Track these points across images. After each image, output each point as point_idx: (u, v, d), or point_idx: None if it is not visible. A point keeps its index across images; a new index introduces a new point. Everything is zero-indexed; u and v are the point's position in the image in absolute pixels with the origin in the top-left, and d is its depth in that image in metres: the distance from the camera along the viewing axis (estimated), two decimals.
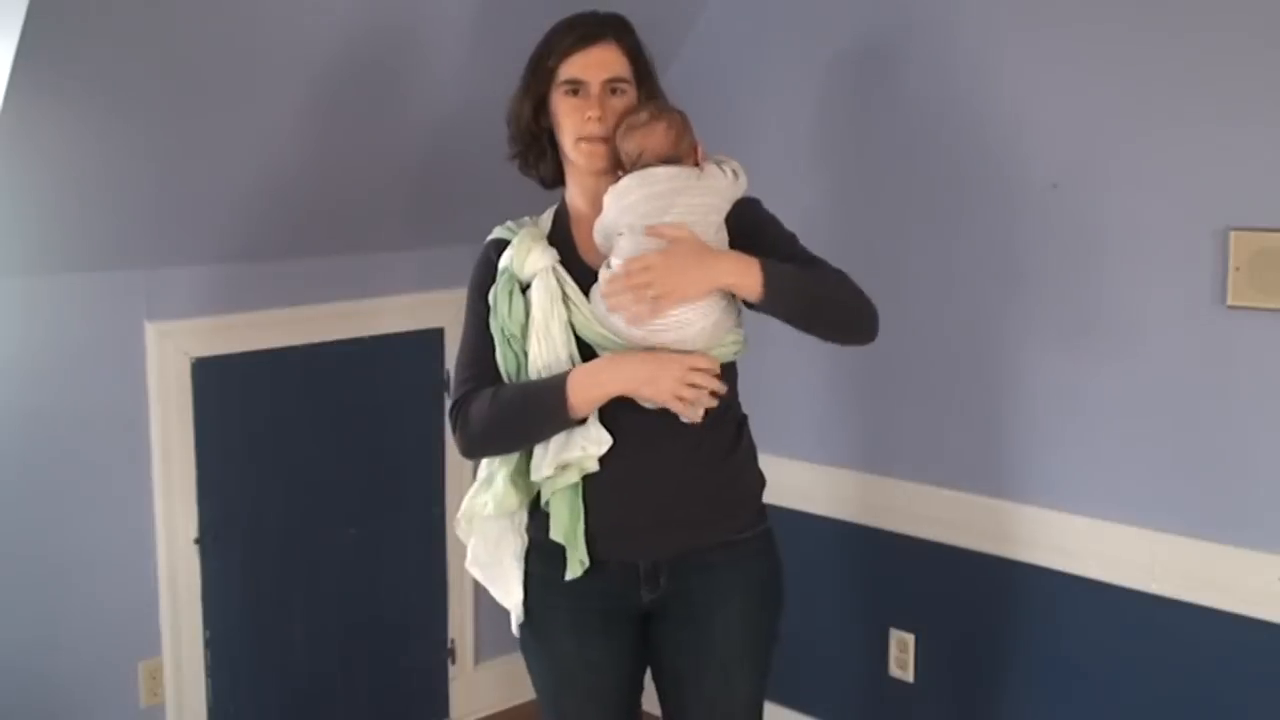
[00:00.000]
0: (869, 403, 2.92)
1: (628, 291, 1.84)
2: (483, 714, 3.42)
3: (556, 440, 1.92)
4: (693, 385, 1.86)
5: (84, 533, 2.67)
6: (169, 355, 2.76)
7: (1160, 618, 2.46)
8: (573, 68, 1.93)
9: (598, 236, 1.94)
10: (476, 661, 3.40)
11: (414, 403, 3.20)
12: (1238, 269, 2.30)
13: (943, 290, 2.75)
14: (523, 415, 1.93)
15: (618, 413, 1.91)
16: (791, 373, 2.99)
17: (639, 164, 1.90)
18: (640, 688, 2.11)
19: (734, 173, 1.95)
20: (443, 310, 3.21)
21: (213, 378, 2.83)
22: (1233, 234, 2.30)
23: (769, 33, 2.99)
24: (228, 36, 2.37)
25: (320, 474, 3.04)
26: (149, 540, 2.78)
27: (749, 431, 2.08)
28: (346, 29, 2.52)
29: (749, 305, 1.92)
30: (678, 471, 1.95)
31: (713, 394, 1.90)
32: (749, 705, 2.06)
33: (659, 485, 1.95)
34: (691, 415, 1.91)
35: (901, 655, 2.91)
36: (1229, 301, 2.32)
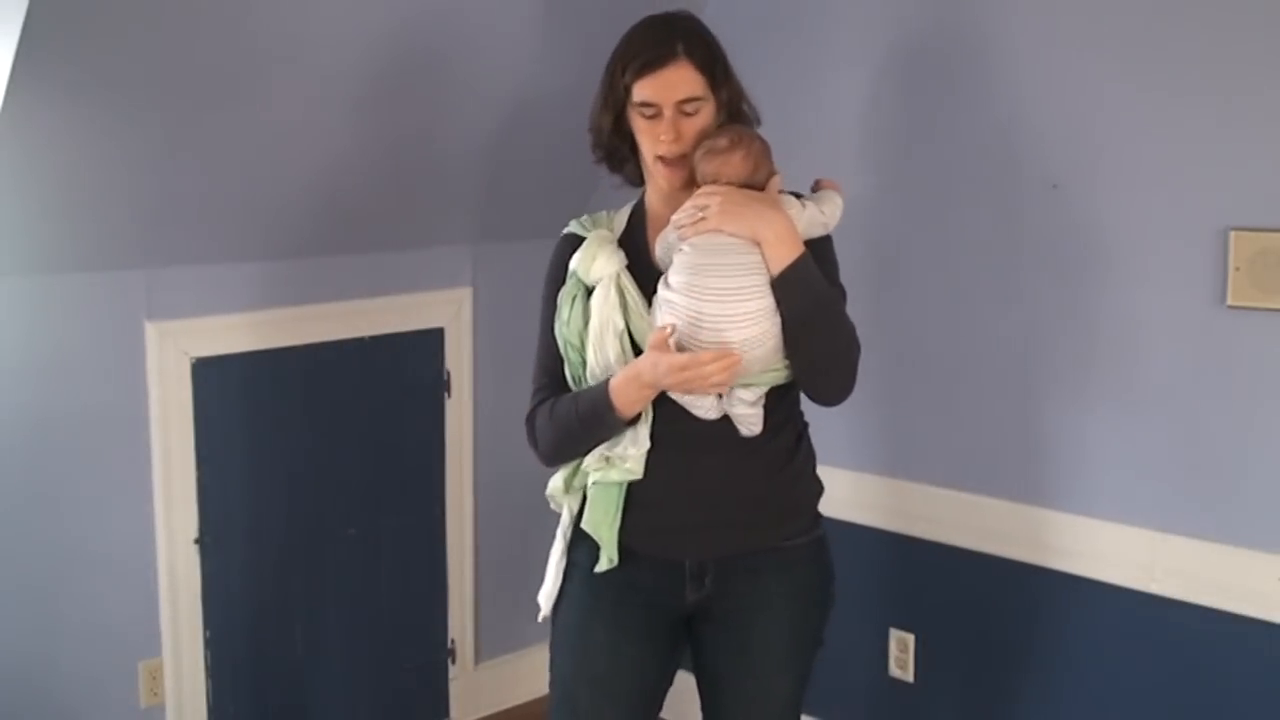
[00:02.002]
0: (872, 404, 2.91)
1: (686, 214, 1.86)
2: (483, 714, 3.42)
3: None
4: (692, 375, 1.82)
5: (84, 533, 2.67)
6: (169, 355, 2.76)
7: (1160, 618, 2.46)
8: (645, 90, 1.92)
9: (658, 254, 1.95)
10: (476, 661, 3.41)
11: (414, 403, 3.20)
12: (1238, 269, 2.30)
13: (943, 290, 2.75)
14: (577, 425, 1.95)
15: (674, 422, 1.91)
16: None
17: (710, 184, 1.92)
18: (661, 698, 2.10)
19: (804, 206, 1.95)
20: (443, 310, 3.21)
21: (213, 378, 2.83)
22: (1233, 234, 2.30)
23: (769, 32, 2.99)
24: (227, 37, 2.37)
25: (320, 474, 3.04)
26: (149, 540, 2.78)
27: (809, 441, 2.09)
28: (348, 31, 2.52)
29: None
30: (731, 477, 1.96)
31: (767, 409, 1.92)
32: (786, 710, 2.07)
33: (711, 488, 1.95)
34: (749, 429, 1.92)
35: (901, 655, 2.91)
36: (1229, 301, 2.32)
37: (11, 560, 2.58)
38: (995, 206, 2.64)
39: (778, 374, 1.92)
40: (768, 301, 1.85)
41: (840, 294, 1.99)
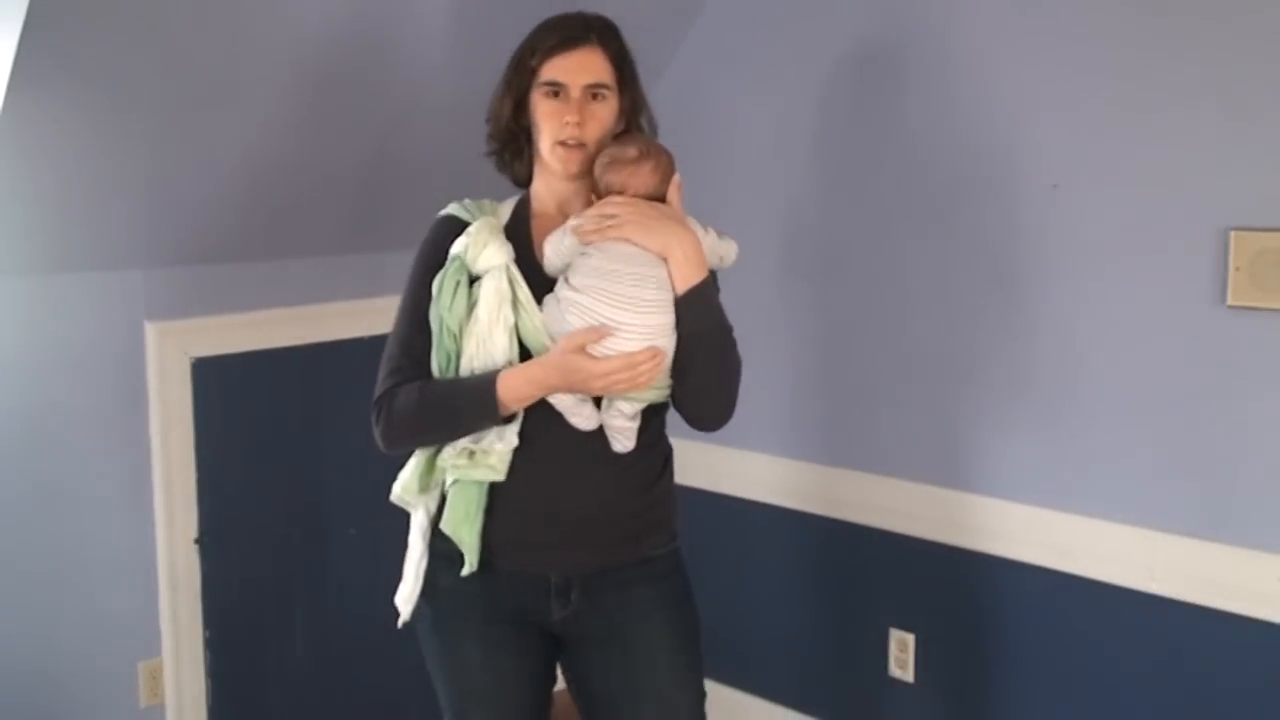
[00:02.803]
0: (869, 403, 2.92)
1: (592, 220, 1.82)
2: None
3: None
4: (628, 376, 1.79)
5: (84, 533, 2.67)
6: (169, 355, 2.76)
7: (1160, 618, 2.46)
8: (554, 69, 1.89)
9: (548, 258, 1.88)
10: None
11: None
12: (1238, 269, 2.30)
13: (943, 290, 2.75)
14: (450, 409, 1.87)
15: (546, 427, 1.87)
16: (792, 373, 2.99)
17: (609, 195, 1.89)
18: (549, 699, 2.06)
19: (705, 231, 1.93)
20: None
21: (213, 378, 2.83)
22: (1233, 234, 2.30)
23: (768, 32, 2.99)
24: (228, 36, 2.37)
25: (320, 474, 3.04)
26: (149, 540, 2.78)
27: (673, 464, 2.04)
28: (345, 29, 2.52)
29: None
30: (599, 492, 1.91)
31: (641, 427, 1.89)
32: None
33: (578, 503, 1.90)
34: (623, 445, 1.89)
35: (901, 655, 2.91)
36: (1229, 301, 2.32)
37: (11, 560, 2.58)
38: (995, 206, 2.64)
39: (660, 392, 1.89)
40: (669, 319, 1.83)
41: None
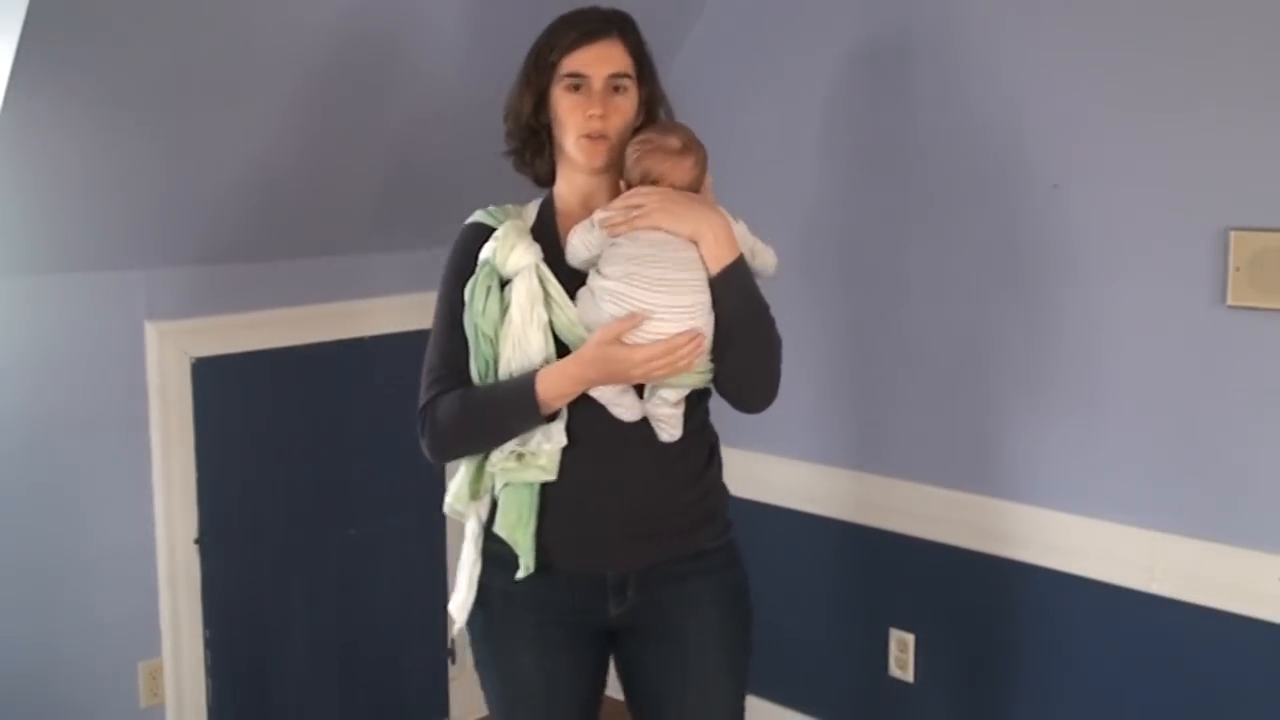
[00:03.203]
0: (869, 403, 2.92)
1: (620, 211, 1.83)
2: (483, 714, 3.40)
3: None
4: (668, 361, 1.80)
5: (84, 533, 2.67)
6: (169, 355, 2.76)
7: (1160, 618, 2.46)
8: (575, 62, 1.89)
9: (572, 251, 1.88)
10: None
11: (414, 403, 3.18)
12: (1238, 269, 2.30)
13: (942, 290, 2.75)
14: (492, 413, 1.88)
15: (592, 424, 1.87)
16: (792, 373, 2.98)
17: (641, 183, 1.89)
18: (599, 704, 2.06)
19: (735, 220, 1.92)
20: None
21: (213, 378, 2.83)
22: (1233, 234, 2.30)
23: (770, 31, 2.99)
24: (228, 36, 2.37)
25: (320, 474, 3.04)
26: (149, 540, 2.78)
27: (720, 451, 2.04)
28: (348, 26, 2.52)
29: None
30: (650, 485, 1.91)
31: (686, 415, 1.89)
32: (732, 717, 2.02)
33: (630, 498, 1.90)
34: (669, 434, 1.89)
35: (901, 655, 2.91)
36: (1229, 301, 2.32)
37: (11, 560, 2.58)
38: (995, 206, 2.64)
39: (702, 376, 1.88)
40: (705, 299, 1.83)
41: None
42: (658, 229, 1.83)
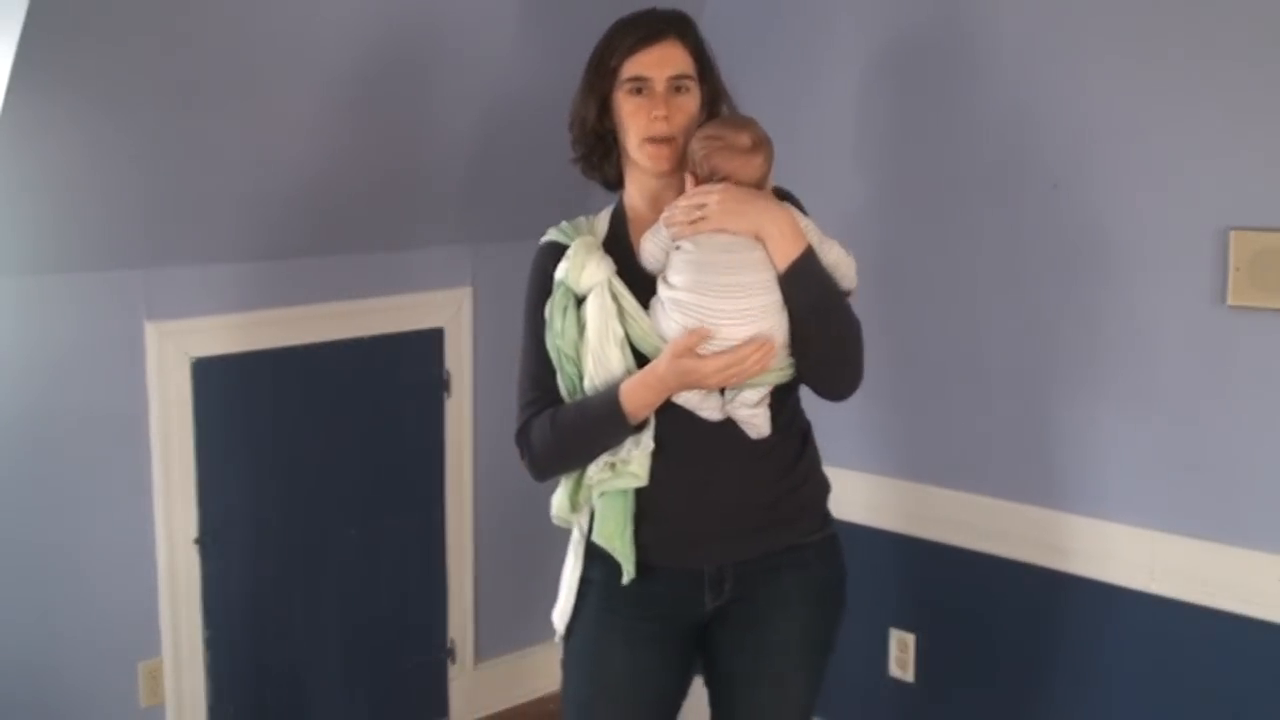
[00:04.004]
0: (872, 404, 2.91)
1: (682, 211, 1.84)
2: (483, 714, 3.42)
3: None
4: (738, 370, 1.80)
5: (84, 533, 2.67)
6: (169, 355, 2.76)
7: (1160, 618, 2.46)
8: (636, 65, 1.89)
9: (644, 255, 1.90)
10: (476, 661, 3.41)
11: (414, 403, 3.20)
12: (1238, 269, 2.30)
13: (943, 291, 2.75)
14: (582, 431, 1.90)
15: (681, 426, 1.88)
16: None
17: (709, 179, 1.88)
18: (679, 706, 2.07)
19: (803, 216, 1.92)
20: (443, 310, 3.21)
21: (213, 378, 2.83)
22: (1233, 234, 2.30)
23: (770, 30, 2.99)
24: (228, 37, 2.37)
25: (320, 474, 3.04)
26: (149, 540, 2.78)
27: (814, 440, 2.06)
28: (347, 30, 2.52)
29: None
30: (743, 480, 1.93)
31: (772, 410, 1.89)
32: (799, 715, 2.04)
33: (724, 494, 1.92)
34: (757, 431, 1.89)
35: (901, 655, 2.91)
36: (1229, 301, 2.32)
37: (11, 560, 2.58)
38: (996, 207, 2.64)
39: (782, 373, 1.89)
40: (774, 298, 1.83)
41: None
42: (722, 231, 1.83)
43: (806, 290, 1.83)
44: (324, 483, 3.05)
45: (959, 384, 2.75)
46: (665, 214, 1.88)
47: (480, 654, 3.41)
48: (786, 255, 1.82)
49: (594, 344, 1.88)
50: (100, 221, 2.55)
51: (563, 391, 1.95)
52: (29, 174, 2.35)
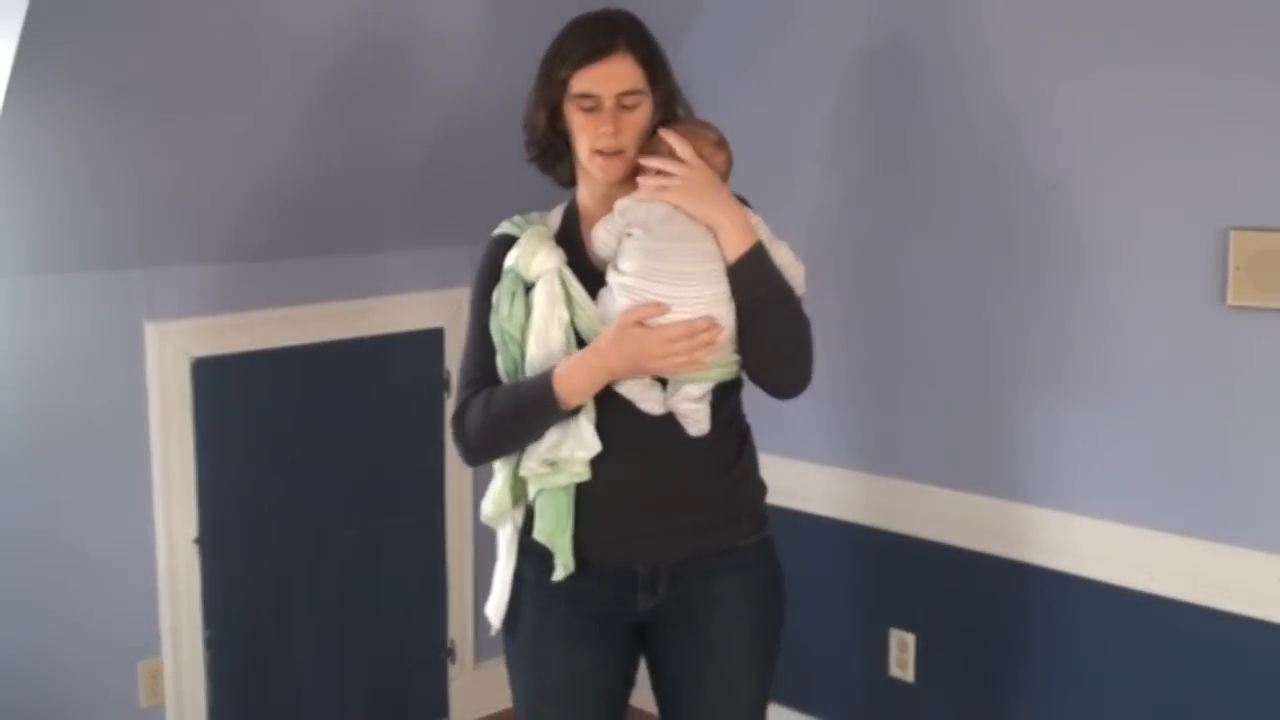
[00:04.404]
0: (870, 403, 2.92)
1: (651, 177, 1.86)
2: (483, 714, 3.42)
3: (549, 438, 1.89)
4: (687, 346, 1.81)
5: (84, 533, 2.67)
6: (169, 355, 2.76)
7: (1160, 618, 2.46)
8: (585, 81, 1.89)
9: (595, 243, 1.91)
10: (476, 661, 3.41)
11: (414, 403, 3.20)
12: (1238, 269, 2.30)
13: (942, 291, 2.75)
14: (515, 413, 1.90)
15: (620, 420, 1.89)
16: None
17: None
18: (625, 702, 2.08)
19: (789, 248, 1.94)
20: (443, 310, 3.21)
21: (213, 378, 2.83)
22: (1233, 234, 2.30)
23: (770, 30, 2.99)
24: (228, 37, 2.37)
25: (320, 474, 3.04)
26: (149, 540, 2.78)
27: (752, 442, 2.06)
28: (347, 28, 2.52)
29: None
30: (680, 479, 1.93)
31: (712, 408, 1.89)
32: (752, 716, 2.04)
33: (660, 492, 1.92)
34: (697, 428, 1.89)
35: (901, 655, 2.91)
36: (1229, 301, 2.32)
37: (11, 560, 2.58)
38: (994, 206, 2.64)
39: (726, 369, 1.91)
40: (723, 288, 1.84)
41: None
42: (675, 209, 1.85)
43: (754, 284, 1.86)
44: (324, 483, 3.05)
45: (960, 384, 2.75)
46: (621, 203, 1.89)
47: (480, 654, 3.41)
48: (737, 247, 1.85)
49: (538, 326, 1.89)
50: (100, 221, 2.54)
51: (502, 373, 1.96)
52: (29, 174, 2.35)
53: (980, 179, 2.66)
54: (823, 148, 2.93)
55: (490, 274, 1.99)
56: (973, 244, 2.69)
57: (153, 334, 2.73)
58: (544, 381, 1.86)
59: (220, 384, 2.84)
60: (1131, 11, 2.41)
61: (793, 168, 2.98)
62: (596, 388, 1.86)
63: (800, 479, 3.01)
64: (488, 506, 2.02)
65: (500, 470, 2.00)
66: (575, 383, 1.85)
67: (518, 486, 1.98)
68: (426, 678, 3.32)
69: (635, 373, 1.85)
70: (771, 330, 1.89)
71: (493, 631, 2.05)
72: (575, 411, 1.88)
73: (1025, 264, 2.61)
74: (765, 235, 1.92)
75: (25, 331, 2.57)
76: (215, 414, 2.84)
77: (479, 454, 1.98)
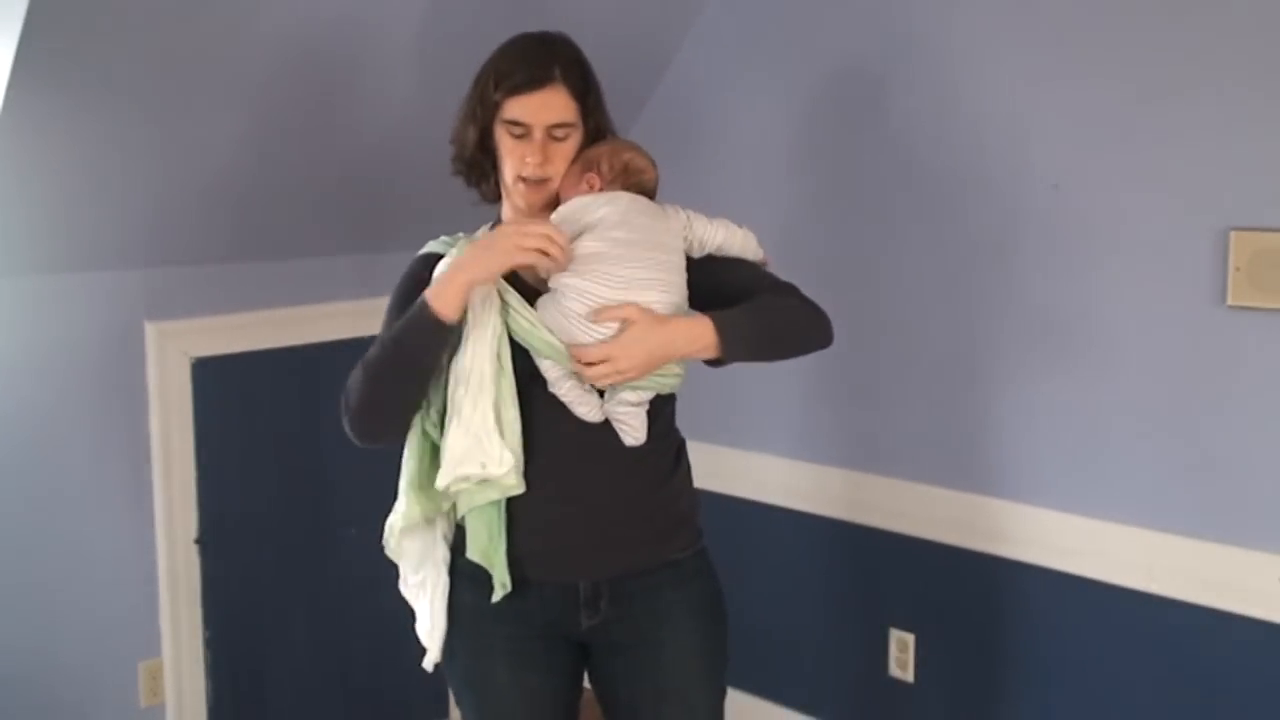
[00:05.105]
0: (870, 402, 2.92)
1: (595, 378, 1.81)
2: None
3: (454, 453, 1.82)
4: (536, 246, 1.76)
5: (84, 532, 2.67)
6: (169, 355, 2.76)
7: (1160, 618, 2.46)
8: (516, 109, 1.87)
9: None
10: None
11: None
12: (1238, 269, 2.30)
13: (943, 290, 2.75)
14: (395, 348, 1.84)
15: (553, 431, 1.85)
16: (793, 372, 2.99)
17: (619, 177, 1.90)
18: (576, 717, 2.05)
19: (688, 217, 1.93)
20: None
21: (213, 378, 2.83)
22: (1233, 234, 2.30)
23: (770, 30, 2.99)
24: (227, 37, 2.37)
25: (320, 474, 3.05)
26: (149, 540, 2.78)
27: (687, 455, 2.03)
28: (344, 30, 2.52)
29: (710, 364, 1.87)
30: (618, 490, 1.89)
31: (651, 417, 1.88)
32: None
33: (598, 504, 1.88)
34: (633, 438, 1.87)
35: (901, 655, 2.91)
36: (1229, 301, 2.32)
37: (11, 560, 2.58)
38: (995, 206, 2.64)
39: (664, 380, 1.87)
40: (672, 296, 1.83)
41: (774, 285, 1.94)
42: (622, 209, 1.83)
43: (747, 348, 1.87)
44: (324, 483, 3.05)
45: (959, 384, 2.75)
46: (555, 215, 1.86)
47: None
48: (709, 348, 1.83)
49: (472, 332, 1.83)
50: (100, 221, 2.55)
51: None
52: (29, 174, 2.35)
53: (981, 179, 2.66)
54: (822, 146, 2.93)
55: (411, 289, 1.91)
56: (974, 244, 2.69)
57: (153, 334, 2.73)
58: (419, 304, 1.80)
59: (220, 384, 2.84)
60: (1132, 12, 2.41)
61: (791, 166, 2.98)
62: (466, 288, 1.79)
63: (802, 478, 3.01)
64: (394, 528, 1.95)
65: (402, 478, 1.95)
66: (443, 289, 1.79)
67: (427, 497, 1.92)
68: (426, 678, 3.30)
69: (484, 269, 1.79)
70: (784, 346, 1.93)
71: (429, 664, 1.99)
72: (459, 324, 1.81)
73: (1026, 264, 2.61)
74: (701, 221, 1.92)
75: (25, 331, 2.57)
76: (215, 414, 2.84)
77: (364, 416, 1.90)
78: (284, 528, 2.99)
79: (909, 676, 2.90)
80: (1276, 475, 2.31)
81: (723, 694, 2.02)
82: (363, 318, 3.06)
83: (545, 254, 1.77)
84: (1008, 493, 2.68)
